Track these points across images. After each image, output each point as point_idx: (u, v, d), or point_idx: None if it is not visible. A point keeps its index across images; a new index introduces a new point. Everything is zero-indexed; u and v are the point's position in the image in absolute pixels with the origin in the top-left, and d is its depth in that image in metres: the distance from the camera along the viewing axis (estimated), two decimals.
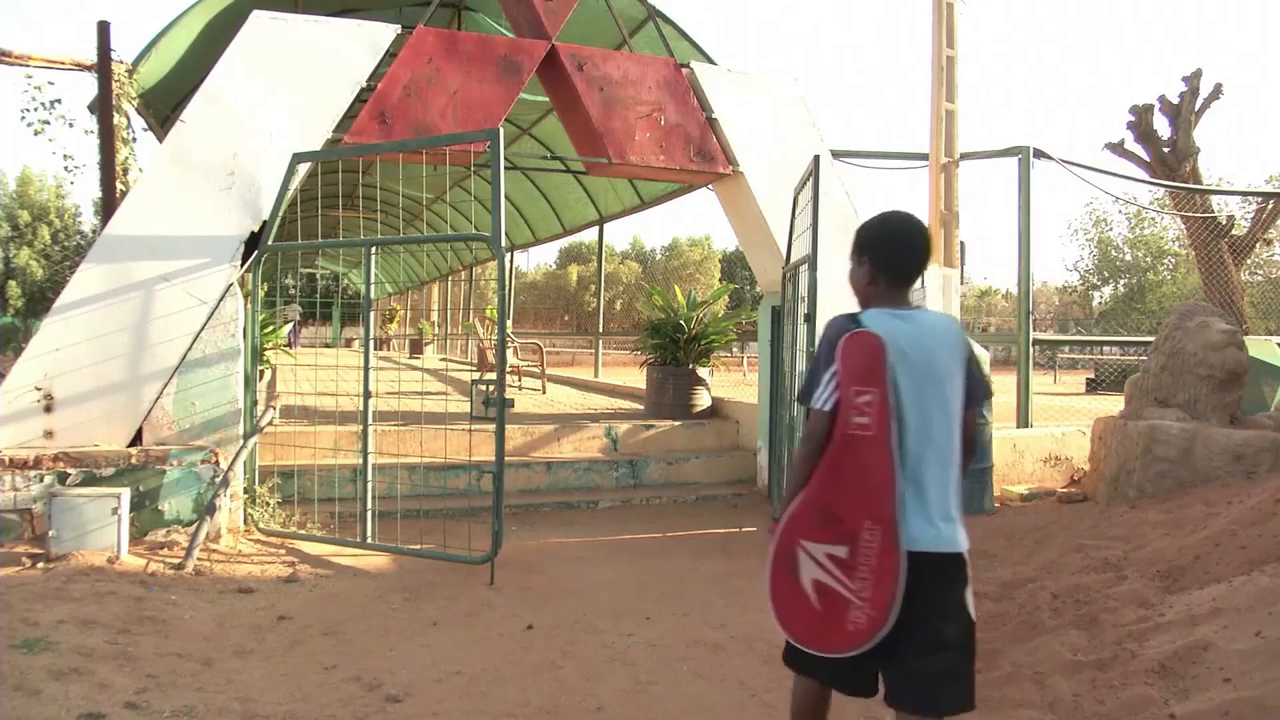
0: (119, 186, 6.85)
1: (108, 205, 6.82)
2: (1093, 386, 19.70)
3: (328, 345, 32.95)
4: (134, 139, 7.28)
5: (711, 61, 8.81)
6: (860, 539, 2.32)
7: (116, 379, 6.27)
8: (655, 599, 5.21)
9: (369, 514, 6.20)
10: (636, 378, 12.64)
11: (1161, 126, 13.24)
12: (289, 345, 13.43)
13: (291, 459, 7.21)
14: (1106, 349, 21.56)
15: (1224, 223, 13.00)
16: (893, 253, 2.50)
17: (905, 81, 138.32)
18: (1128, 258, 29.13)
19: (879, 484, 2.32)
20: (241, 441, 6.39)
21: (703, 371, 9.97)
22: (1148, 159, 13.32)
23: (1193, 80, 13.04)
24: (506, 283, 7.08)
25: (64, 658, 3.74)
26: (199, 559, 5.58)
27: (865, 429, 2.32)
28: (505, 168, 6.04)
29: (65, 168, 8.35)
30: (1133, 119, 13.35)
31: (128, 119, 7.13)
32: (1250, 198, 14.43)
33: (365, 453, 6.27)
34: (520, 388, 14.64)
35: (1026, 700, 3.51)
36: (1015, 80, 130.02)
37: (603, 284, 19.18)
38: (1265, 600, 3.56)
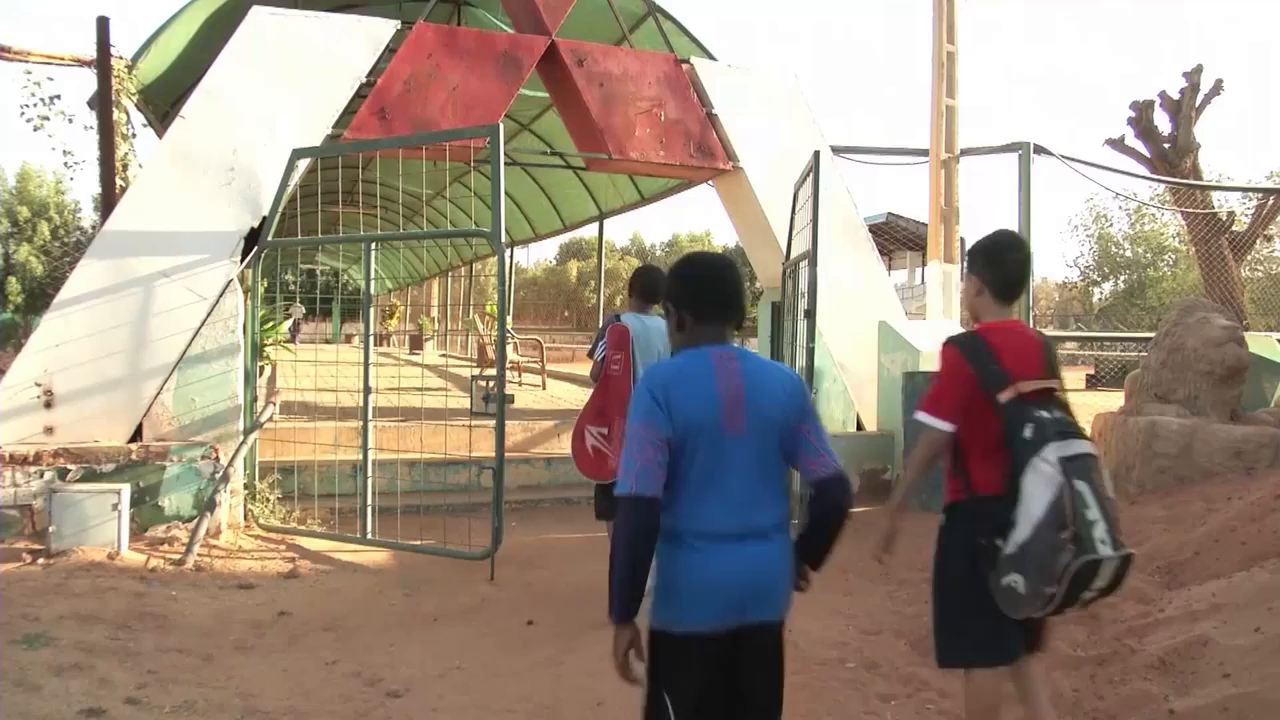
0: (119, 182, 6.84)
1: (107, 201, 6.81)
2: (1093, 382, 19.68)
3: (328, 341, 32.93)
4: (133, 134, 7.27)
5: (711, 57, 8.79)
6: (614, 424, 4.57)
7: (116, 375, 6.26)
8: None
9: (369, 510, 6.21)
10: None
11: (1162, 122, 13.22)
12: (291, 340, 13.40)
13: (292, 455, 7.21)
14: (1106, 345, 21.53)
15: (1224, 219, 12.97)
16: (642, 286, 4.79)
17: (906, 78, 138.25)
18: (1128, 254, 29.05)
19: (623, 398, 4.28)
20: (242, 437, 6.39)
21: None
22: (1148, 155, 13.28)
23: (1193, 76, 13.01)
24: (506, 278, 7.07)
25: (65, 653, 3.75)
26: (199, 555, 5.59)
27: (617, 372, 4.63)
28: (505, 163, 6.03)
29: (65, 163, 8.32)
30: (1133, 115, 13.32)
31: (127, 114, 7.11)
32: (1250, 193, 14.40)
33: (365, 448, 6.28)
34: (520, 383, 14.64)
35: None
36: (1016, 76, 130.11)
37: (603, 280, 19.17)
38: (1265, 596, 3.56)
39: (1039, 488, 2.58)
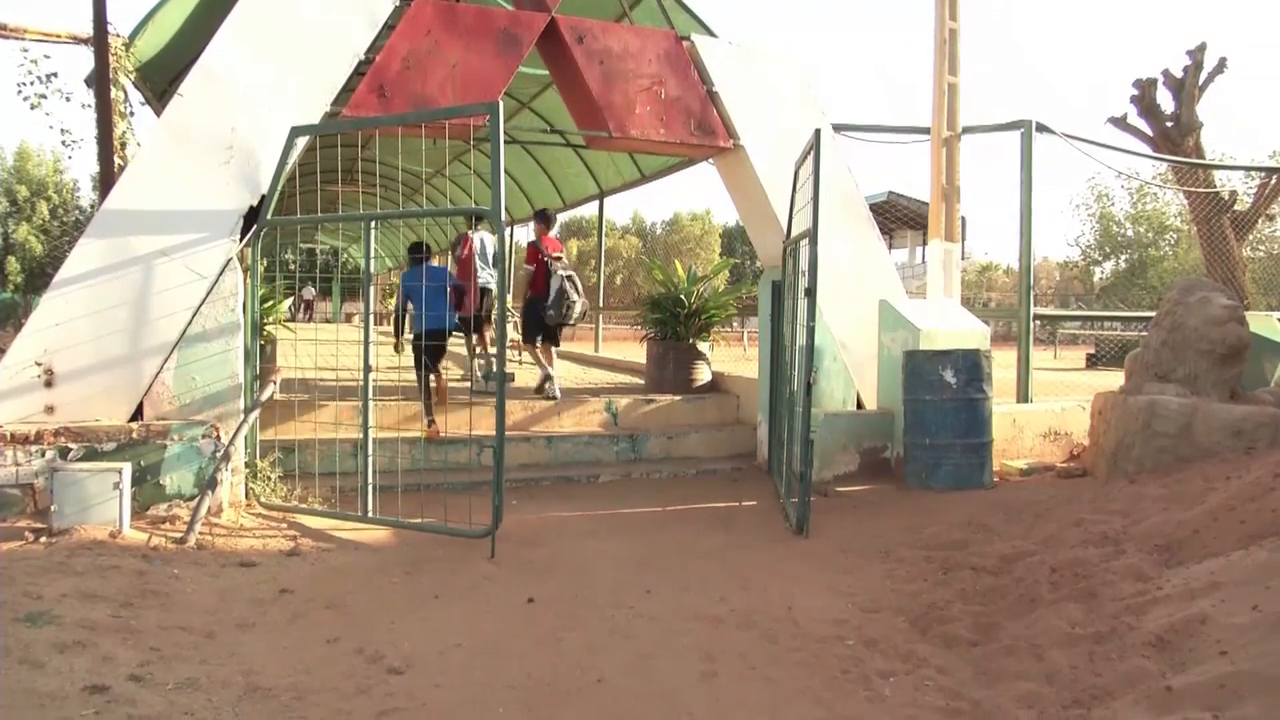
0: (117, 161, 6.81)
1: (106, 180, 6.78)
2: (1093, 362, 19.69)
3: (328, 320, 32.91)
4: (132, 113, 7.23)
5: (712, 34, 8.73)
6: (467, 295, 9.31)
7: (117, 354, 6.27)
8: (655, 573, 5.24)
9: (370, 488, 6.22)
10: (637, 352, 12.65)
11: (1165, 101, 13.14)
12: (302, 319, 13.35)
13: (292, 433, 7.22)
14: (1107, 324, 21.54)
15: (1226, 198, 12.91)
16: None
17: (907, 56, 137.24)
18: (1129, 233, 28.95)
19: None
20: (242, 416, 6.40)
21: (703, 346, 9.97)
22: (1151, 133, 13.21)
23: (1196, 54, 12.92)
24: (506, 257, 7.05)
25: (67, 631, 3.77)
26: (201, 533, 5.61)
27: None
28: (505, 141, 6.00)
29: (63, 142, 8.29)
30: (1136, 93, 13.24)
31: (125, 92, 7.07)
32: (1253, 173, 14.33)
33: (366, 427, 6.28)
34: (520, 362, 14.63)
35: (1024, 673, 3.53)
36: (1019, 55, 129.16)
37: (603, 258, 19.14)
38: (1263, 574, 3.57)
39: (554, 284, 8.89)
